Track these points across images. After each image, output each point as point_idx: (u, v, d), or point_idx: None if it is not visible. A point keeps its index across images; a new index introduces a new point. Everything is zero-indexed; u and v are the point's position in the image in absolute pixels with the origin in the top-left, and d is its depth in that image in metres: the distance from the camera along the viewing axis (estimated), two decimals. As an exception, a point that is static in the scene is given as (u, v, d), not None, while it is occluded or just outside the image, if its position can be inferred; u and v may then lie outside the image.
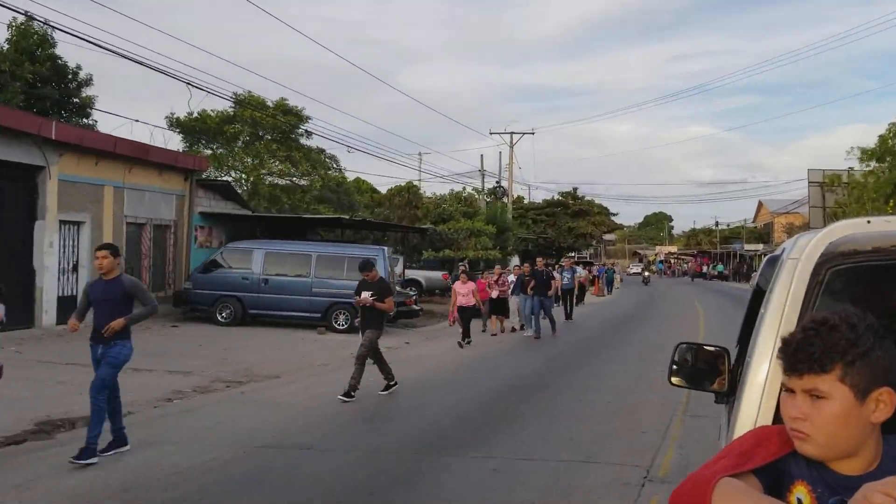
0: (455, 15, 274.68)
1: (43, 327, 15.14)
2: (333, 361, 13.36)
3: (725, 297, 36.97)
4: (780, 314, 2.01)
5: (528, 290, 17.24)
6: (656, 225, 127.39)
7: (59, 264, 15.97)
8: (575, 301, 29.37)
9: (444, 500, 5.94)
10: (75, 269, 16.40)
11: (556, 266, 22.78)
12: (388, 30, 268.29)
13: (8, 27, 21.32)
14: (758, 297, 2.65)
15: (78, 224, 16.45)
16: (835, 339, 1.43)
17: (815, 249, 2.04)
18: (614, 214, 67.04)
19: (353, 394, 9.34)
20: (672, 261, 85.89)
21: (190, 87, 18.00)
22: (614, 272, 46.19)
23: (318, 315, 17.81)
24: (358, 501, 5.89)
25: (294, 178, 26.26)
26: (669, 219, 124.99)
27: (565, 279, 21.66)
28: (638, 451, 7.35)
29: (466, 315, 15.89)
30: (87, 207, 16.52)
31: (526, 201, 60.29)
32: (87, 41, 15.48)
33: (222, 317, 17.87)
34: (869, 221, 2.13)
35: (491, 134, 48.66)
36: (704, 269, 70.55)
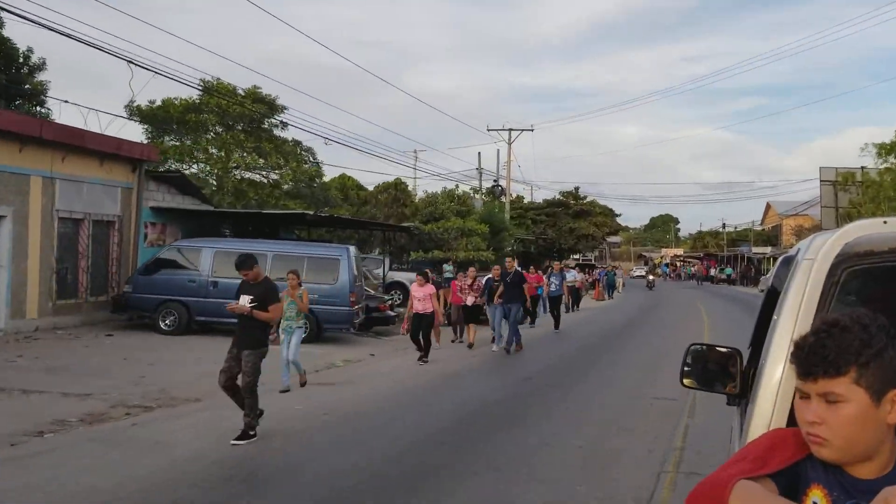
0: (458, 15, 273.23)
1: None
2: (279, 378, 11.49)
3: (734, 303, 34.84)
4: (796, 315, 2.00)
5: (496, 298, 14.89)
6: (662, 227, 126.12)
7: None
8: (571, 307, 27.47)
9: None
10: (-6, 269, 14.47)
11: (547, 268, 20.47)
12: (388, 30, 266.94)
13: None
14: (771, 298, 2.66)
15: (-3, 218, 14.52)
16: (848, 341, 1.42)
17: (831, 250, 2.03)
18: (618, 215, 65.09)
19: (251, 433, 7.36)
20: (678, 263, 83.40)
21: (132, 65, 16.05)
22: (615, 275, 44.05)
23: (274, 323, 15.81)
24: None
25: (264, 172, 24.21)
26: (676, 221, 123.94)
27: (553, 285, 19.28)
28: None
29: (424, 324, 13.53)
30: (8, 200, 14.58)
31: (527, 201, 58.33)
32: (31, 21, 13.56)
33: (165, 324, 15.90)
34: (885, 222, 2.09)
35: (489, 131, 46.61)
36: (712, 272, 68.21)
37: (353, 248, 17.35)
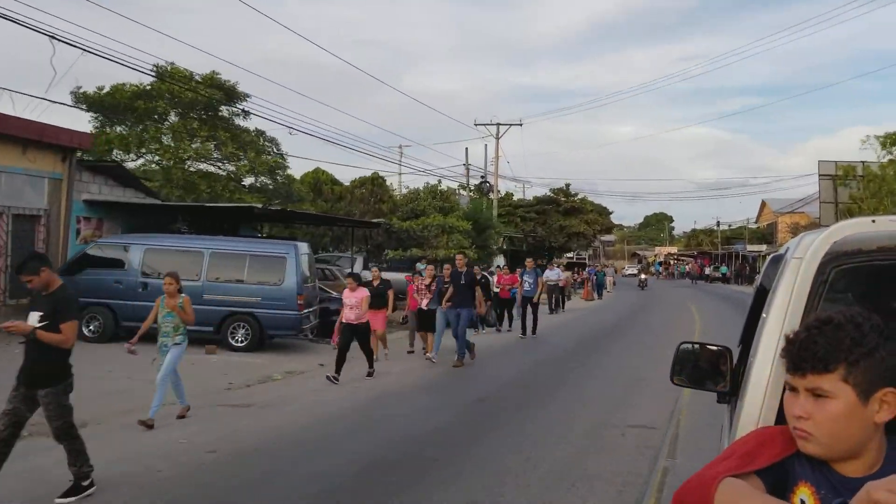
0: (457, 15, 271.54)
1: None
2: (203, 395, 9.74)
3: (726, 303, 33.13)
4: (784, 313, 1.99)
5: (444, 302, 12.88)
6: (657, 226, 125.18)
7: None
8: (554, 307, 25.75)
9: None
10: None
11: (527, 267, 18.62)
12: (387, 30, 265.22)
13: None
14: (761, 297, 2.65)
15: None
16: (839, 338, 1.42)
17: (820, 248, 2.02)
18: (610, 213, 63.32)
19: (84, 484, 5.61)
20: (671, 262, 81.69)
21: (53, 40, 14.28)
22: (605, 274, 42.33)
23: (211, 329, 14.05)
24: None
25: (220, 163, 22.37)
26: (670, 219, 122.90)
27: (526, 284, 17.41)
28: None
29: (357, 335, 11.44)
30: None
31: (518, 198, 56.55)
32: None
33: (89, 330, 14.12)
34: (874, 221, 2.07)
35: (476, 125, 44.85)
36: (706, 270, 66.51)
37: (303, 245, 15.59)
